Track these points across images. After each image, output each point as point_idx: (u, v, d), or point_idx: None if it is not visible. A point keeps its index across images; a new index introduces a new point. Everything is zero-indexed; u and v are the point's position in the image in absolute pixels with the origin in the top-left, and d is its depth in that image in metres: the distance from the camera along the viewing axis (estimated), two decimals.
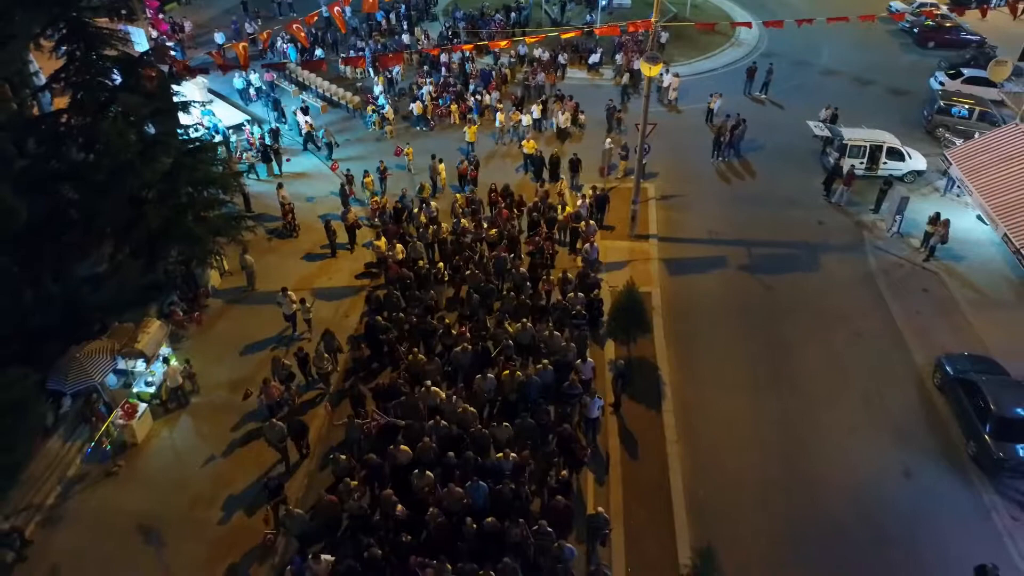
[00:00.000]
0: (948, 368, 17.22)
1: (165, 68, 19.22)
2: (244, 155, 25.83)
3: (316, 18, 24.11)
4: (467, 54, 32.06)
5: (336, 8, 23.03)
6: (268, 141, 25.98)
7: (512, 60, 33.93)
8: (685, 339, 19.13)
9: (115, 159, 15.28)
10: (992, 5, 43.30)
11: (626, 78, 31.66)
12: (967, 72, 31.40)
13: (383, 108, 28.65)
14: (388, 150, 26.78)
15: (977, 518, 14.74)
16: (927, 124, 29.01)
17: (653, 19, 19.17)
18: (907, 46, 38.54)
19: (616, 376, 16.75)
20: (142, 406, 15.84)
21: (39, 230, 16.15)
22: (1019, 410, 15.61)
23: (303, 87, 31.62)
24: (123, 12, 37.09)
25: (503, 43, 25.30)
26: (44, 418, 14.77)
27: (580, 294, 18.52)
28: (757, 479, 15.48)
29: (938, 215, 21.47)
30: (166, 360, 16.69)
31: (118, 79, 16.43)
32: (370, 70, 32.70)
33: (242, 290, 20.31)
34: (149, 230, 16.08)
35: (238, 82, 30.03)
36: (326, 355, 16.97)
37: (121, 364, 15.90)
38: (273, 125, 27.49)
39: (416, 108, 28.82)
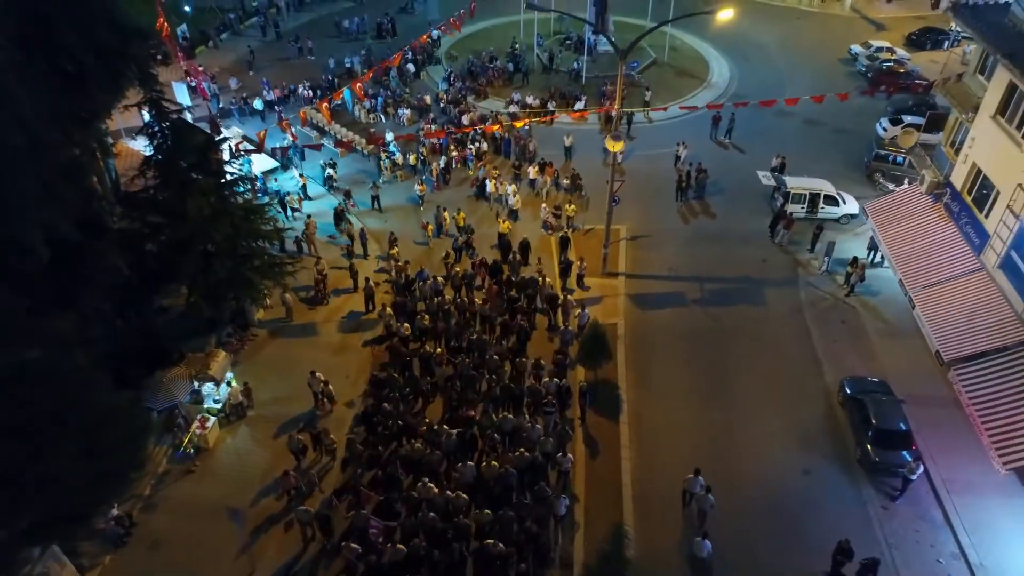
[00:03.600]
0: (847, 388, 21.61)
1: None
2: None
3: (341, 96, 28.56)
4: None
5: (358, 84, 27.46)
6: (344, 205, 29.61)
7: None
8: (643, 363, 23.55)
9: (193, 224, 19.74)
10: (945, 48, 47.72)
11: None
12: (907, 119, 35.62)
13: (394, 154, 33.05)
14: (401, 195, 31.10)
15: (855, 507, 19.14)
16: (866, 169, 33.36)
17: (616, 105, 23.59)
18: (863, 88, 42.74)
19: (582, 394, 21.19)
20: (212, 419, 20.35)
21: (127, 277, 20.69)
22: (896, 424, 20.03)
23: (322, 132, 36.02)
24: (159, 57, 41.82)
25: (495, 127, 29.53)
26: (154, 431, 19.24)
27: (554, 379, 20.97)
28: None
29: (856, 258, 25.93)
30: (228, 383, 21.20)
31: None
32: (381, 116, 37.15)
33: (282, 321, 24.78)
34: (217, 278, 20.54)
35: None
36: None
37: (197, 386, 20.37)
38: (341, 204, 30.03)
39: (419, 189, 30.70)
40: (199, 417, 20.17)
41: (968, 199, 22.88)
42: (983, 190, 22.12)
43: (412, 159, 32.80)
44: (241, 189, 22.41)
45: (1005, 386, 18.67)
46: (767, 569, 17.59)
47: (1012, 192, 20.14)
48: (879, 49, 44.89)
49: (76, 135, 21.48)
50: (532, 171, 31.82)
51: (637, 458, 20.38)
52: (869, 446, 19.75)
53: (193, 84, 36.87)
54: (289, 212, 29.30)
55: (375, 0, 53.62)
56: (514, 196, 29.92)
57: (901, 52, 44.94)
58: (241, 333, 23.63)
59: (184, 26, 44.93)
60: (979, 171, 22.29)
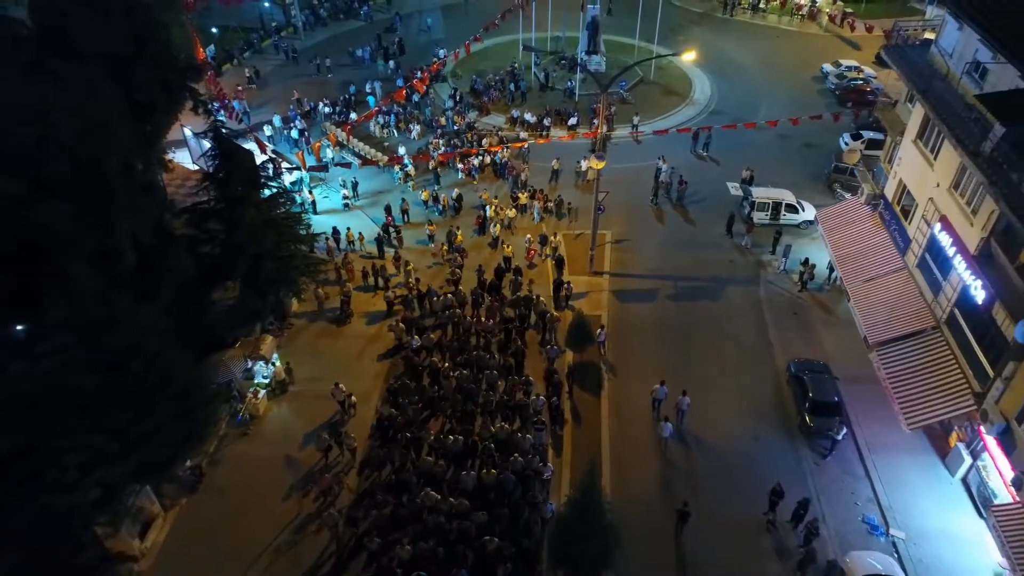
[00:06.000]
0: (792, 369, 25.74)
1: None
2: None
3: (369, 117, 32.56)
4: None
5: (376, 110, 31.53)
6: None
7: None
8: (621, 348, 27.64)
9: (247, 231, 23.88)
10: None
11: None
12: (866, 135, 39.66)
13: (407, 166, 37.18)
14: (419, 214, 35.27)
15: (794, 463, 23.27)
16: (826, 179, 37.43)
17: (599, 129, 27.72)
18: (831, 104, 46.49)
19: (569, 373, 25.31)
20: (261, 392, 24.50)
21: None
22: (828, 396, 24.11)
23: (341, 145, 40.13)
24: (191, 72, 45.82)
25: (496, 147, 33.60)
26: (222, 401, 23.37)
27: (542, 397, 23.70)
28: (658, 441, 23.99)
29: (807, 259, 30.06)
30: (274, 363, 25.35)
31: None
32: (394, 131, 41.32)
33: (314, 313, 28.92)
34: (265, 276, 24.67)
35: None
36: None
37: (250, 364, 24.50)
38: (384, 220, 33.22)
39: (429, 229, 33.13)
40: (251, 390, 24.30)
41: (897, 209, 27.01)
42: (908, 201, 26.24)
43: (424, 195, 35.30)
44: (286, 199, 26.55)
45: (914, 362, 22.79)
46: (723, 509, 21.69)
47: (925, 204, 24.26)
48: (848, 68, 48.76)
49: (141, 154, 25.73)
50: (523, 197, 35.21)
51: (615, 426, 24.48)
52: (806, 415, 23.88)
53: (217, 104, 40.29)
54: (346, 244, 32.33)
55: (382, 20, 58.12)
56: (494, 226, 33.01)
57: (868, 71, 48.67)
58: (280, 322, 27.77)
59: (212, 46, 49.14)
60: (904, 186, 26.42)
